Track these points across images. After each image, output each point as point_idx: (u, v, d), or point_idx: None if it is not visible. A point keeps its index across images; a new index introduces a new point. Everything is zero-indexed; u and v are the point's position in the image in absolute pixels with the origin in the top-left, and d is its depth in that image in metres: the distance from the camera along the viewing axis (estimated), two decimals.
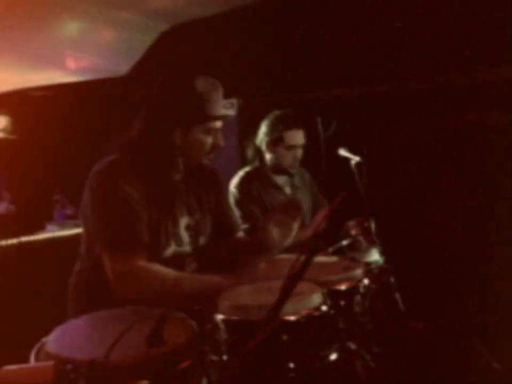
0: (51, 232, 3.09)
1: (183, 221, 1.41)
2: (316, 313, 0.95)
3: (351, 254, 1.64)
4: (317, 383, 0.97)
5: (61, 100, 3.86)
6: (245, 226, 1.99)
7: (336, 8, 2.69)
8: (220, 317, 0.97)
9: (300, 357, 0.93)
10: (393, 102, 2.72)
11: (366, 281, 1.28)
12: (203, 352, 0.94)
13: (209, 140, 1.38)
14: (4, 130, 3.89)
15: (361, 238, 1.82)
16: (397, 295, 1.68)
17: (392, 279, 1.66)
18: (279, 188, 2.26)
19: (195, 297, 1.16)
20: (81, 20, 2.84)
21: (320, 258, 1.42)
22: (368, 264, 1.53)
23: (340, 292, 1.17)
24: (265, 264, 1.41)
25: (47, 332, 1.01)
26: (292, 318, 0.92)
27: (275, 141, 2.20)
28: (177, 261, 1.37)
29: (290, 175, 2.28)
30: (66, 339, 0.95)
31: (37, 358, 0.92)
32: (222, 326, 0.96)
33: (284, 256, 1.50)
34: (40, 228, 3.19)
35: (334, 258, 1.52)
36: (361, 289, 1.24)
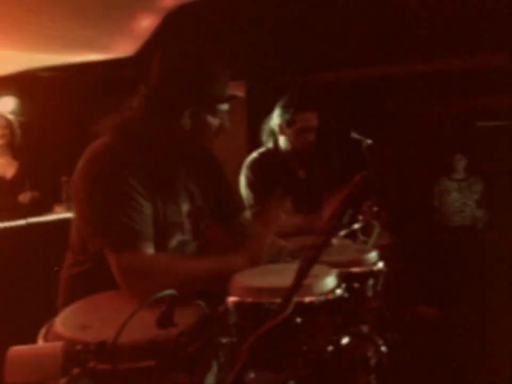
0: (59, 214, 3.09)
1: (185, 208, 1.32)
2: (331, 296, 0.93)
3: (363, 238, 1.62)
4: (328, 366, 0.95)
5: (69, 81, 3.84)
6: (256, 208, 1.97)
7: None
8: (231, 299, 0.95)
9: (313, 340, 0.91)
10: (407, 84, 2.67)
11: (379, 264, 1.25)
12: (214, 335, 0.93)
13: (216, 122, 1.27)
14: (12, 111, 3.88)
15: (373, 222, 1.80)
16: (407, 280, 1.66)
17: (402, 264, 1.64)
18: (292, 171, 2.23)
19: (211, 280, 1.09)
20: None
21: (333, 241, 1.40)
22: (380, 248, 1.51)
23: (354, 274, 1.15)
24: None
25: (55, 313, 1.00)
26: (307, 300, 0.89)
27: (287, 123, 2.17)
28: (182, 251, 1.30)
29: (303, 158, 2.25)
30: (75, 319, 0.94)
31: (46, 339, 0.92)
32: (233, 308, 0.94)
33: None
34: (48, 209, 3.20)
35: (347, 241, 1.50)
36: (375, 273, 1.22)
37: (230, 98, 1.29)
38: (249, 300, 0.93)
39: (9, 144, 3.23)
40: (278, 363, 0.90)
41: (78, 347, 0.79)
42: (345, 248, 1.37)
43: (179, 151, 1.30)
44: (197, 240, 1.38)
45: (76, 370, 0.80)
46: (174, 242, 1.28)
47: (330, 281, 0.98)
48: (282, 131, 2.20)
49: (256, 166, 2.15)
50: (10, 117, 3.39)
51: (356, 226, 1.66)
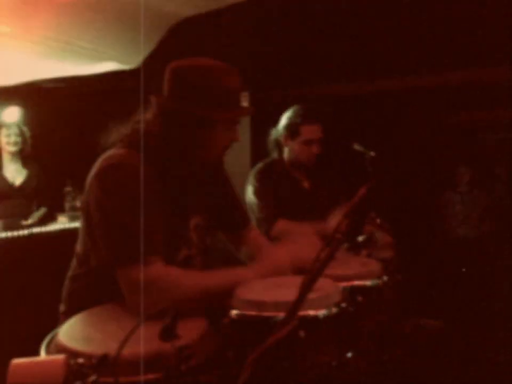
0: (62, 224, 3.10)
1: (193, 221, 1.31)
2: (335, 310, 0.92)
3: (367, 250, 1.61)
4: (332, 381, 0.94)
5: (73, 92, 3.87)
6: (260, 216, 2.01)
7: (350, 2, 2.65)
8: (234, 312, 0.94)
9: (317, 355, 0.91)
10: (410, 96, 2.68)
11: (383, 278, 1.24)
12: (217, 348, 0.92)
13: (229, 134, 1.26)
14: (17, 122, 3.91)
15: (376, 234, 1.80)
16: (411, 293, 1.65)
17: (405, 276, 1.63)
18: (296, 182, 2.24)
19: (218, 295, 1.05)
20: (94, 11, 2.83)
21: (338, 254, 1.39)
22: (383, 261, 1.50)
23: (358, 288, 1.14)
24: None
25: (58, 324, 0.99)
26: (311, 314, 0.89)
27: (292, 135, 2.19)
28: (188, 264, 1.28)
29: (308, 169, 2.26)
30: (78, 331, 0.93)
31: (48, 351, 0.91)
32: (236, 321, 0.93)
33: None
34: (51, 219, 3.20)
35: (351, 254, 1.49)
36: (379, 286, 1.21)
37: (243, 111, 1.30)
38: (252, 313, 0.92)
39: (20, 152, 3.29)
40: (282, 377, 0.89)
41: (80, 360, 0.79)
42: (349, 261, 1.36)
43: (191, 164, 1.29)
44: (203, 254, 1.37)
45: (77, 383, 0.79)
46: (181, 256, 1.27)
47: (334, 295, 0.97)
48: (286, 142, 2.21)
49: (262, 175, 2.17)
50: (21, 126, 3.44)
51: (360, 239, 1.65)
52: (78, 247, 1.30)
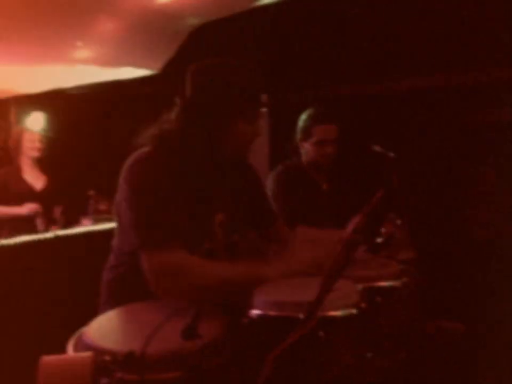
0: (85, 227, 3.17)
1: (217, 217, 1.36)
2: (354, 311, 0.93)
3: (386, 252, 1.61)
4: (351, 381, 0.95)
5: (96, 98, 3.97)
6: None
7: (368, 2, 2.65)
8: (254, 312, 0.96)
9: (336, 354, 0.92)
10: (430, 97, 2.66)
11: (403, 279, 1.24)
12: (238, 347, 0.94)
13: (250, 129, 1.32)
14: (41, 127, 4.01)
15: (396, 235, 1.79)
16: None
17: (426, 278, 1.62)
18: (315, 184, 2.25)
19: (238, 289, 1.09)
20: (117, 19, 2.90)
21: (356, 255, 1.39)
22: (403, 262, 1.49)
23: (377, 288, 1.14)
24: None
25: (83, 323, 1.03)
26: (330, 314, 0.90)
27: (305, 136, 2.21)
28: (210, 258, 1.31)
29: (326, 171, 2.27)
30: (104, 330, 0.96)
31: (75, 348, 0.94)
32: (257, 321, 0.95)
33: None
34: (75, 222, 3.28)
35: (370, 256, 1.49)
36: (398, 287, 1.21)
37: (262, 106, 1.33)
38: (272, 313, 0.94)
39: (39, 158, 3.33)
40: (301, 376, 0.90)
41: (107, 357, 0.82)
42: (368, 262, 1.37)
43: (215, 160, 1.34)
44: (227, 251, 1.40)
45: (104, 380, 0.82)
46: (203, 249, 1.31)
47: (353, 295, 0.98)
48: (301, 144, 2.23)
49: (280, 178, 2.18)
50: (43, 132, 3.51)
51: (379, 240, 1.65)
52: (114, 241, 1.39)
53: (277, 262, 1.26)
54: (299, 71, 2.99)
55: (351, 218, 1.87)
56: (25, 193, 3.15)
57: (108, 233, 2.97)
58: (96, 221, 3.29)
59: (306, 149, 2.21)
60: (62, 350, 0.95)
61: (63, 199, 3.34)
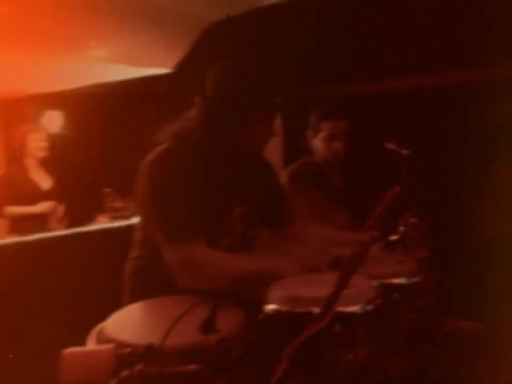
0: (102, 224, 3.22)
1: (236, 211, 1.39)
2: (370, 307, 0.93)
3: (402, 249, 1.60)
4: (366, 376, 0.95)
5: (112, 97, 4.01)
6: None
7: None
8: (270, 307, 0.97)
9: (352, 349, 0.92)
10: (442, 94, 2.63)
11: (419, 276, 1.24)
12: (255, 342, 0.95)
13: (267, 129, 1.36)
14: (58, 126, 4.07)
15: (411, 234, 1.78)
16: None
17: (444, 276, 1.62)
18: (328, 181, 2.25)
19: (255, 281, 1.13)
20: (131, 18, 2.93)
21: (372, 252, 1.39)
22: (420, 260, 1.49)
23: (393, 285, 1.15)
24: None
25: (102, 318, 1.05)
26: (346, 310, 0.91)
27: (314, 131, 2.23)
28: (230, 252, 1.35)
29: (339, 168, 2.27)
30: (124, 324, 0.99)
31: (97, 341, 0.97)
32: (273, 316, 0.96)
33: None
34: (92, 219, 3.33)
35: (386, 253, 1.49)
36: (414, 284, 1.21)
37: (280, 107, 1.39)
38: (287, 308, 0.95)
39: (47, 157, 3.31)
40: (317, 370, 0.91)
41: (128, 350, 0.84)
42: (384, 259, 1.37)
43: (234, 157, 1.38)
44: (246, 245, 1.43)
45: (125, 373, 0.84)
46: (223, 243, 1.35)
47: (369, 291, 0.99)
48: (311, 140, 2.25)
49: (294, 176, 2.19)
50: (51, 132, 3.50)
51: (394, 238, 1.65)
52: (136, 235, 1.43)
53: (293, 256, 1.29)
54: (313, 68, 2.99)
55: (363, 215, 1.86)
56: (32, 193, 3.15)
57: (124, 230, 3.02)
58: (112, 218, 3.34)
59: (316, 146, 2.23)
60: (83, 344, 0.97)
61: (70, 198, 3.35)
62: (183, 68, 3.53)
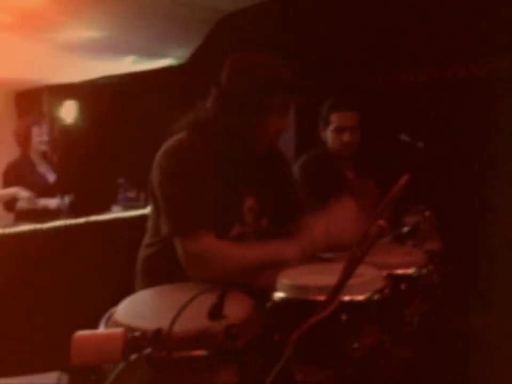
0: (115, 213, 3.26)
1: (247, 202, 1.40)
2: (377, 296, 0.94)
3: (412, 241, 1.60)
4: (372, 365, 0.96)
5: (125, 88, 4.04)
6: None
7: None
8: (278, 295, 0.98)
9: (358, 339, 0.93)
10: (460, 86, 2.59)
11: (428, 268, 1.24)
12: (261, 329, 0.96)
13: (281, 121, 1.36)
14: (73, 116, 4.12)
15: (422, 226, 1.77)
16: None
17: (454, 270, 1.60)
18: (339, 172, 2.24)
19: (262, 269, 1.15)
20: (145, 10, 2.94)
21: (381, 243, 1.39)
22: (430, 252, 1.48)
23: (401, 276, 1.14)
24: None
25: (114, 303, 1.07)
26: (353, 298, 0.91)
27: (324, 123, 2.22)
28: (241, 242, 1.36)
29: (352, 160, 2.26)
30: (134, 309, 1.01)
31: (106, 326, 0.99)
32: (280, 304, 0.97)
33: None
34: (106, 208, 3.38)
35: (396, 245, 1.49)
36: (423, 276, 1.21)
37: (294, 99, 1.38)
38: (295, 296, 0.96)
39: (50, 150, 3.38)
40: (323, 359, 0.92)
41: (137, 334, 0.86)
42: (393, 250, 1.37)
43: (247, 149, 1.39)
44: (257, 236, 1.44)
45: (133, 356, 0.86)
46: (234, 233, 1.36)
47: (377, 281, 0.99)
48: (322, 133, 2.24)
49: (305, 167, 2.19)
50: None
51: (405, 229, 1.64)
52: (149, 222, 1.46)
53: (295, 241, 1.30)
54: (325, 60, 2.96)
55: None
56: (39, 186, 3.17)
57: (137, 219, 3.05)
58: (125, 207, 3.38)
59: (327, 137, 2.22)
60: (95, 327, 0.99)
61: (85, 188, 3.39)
62: (196, 59, 3.54)
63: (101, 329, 0.96)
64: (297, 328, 0.78)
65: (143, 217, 1.53)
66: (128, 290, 1.31)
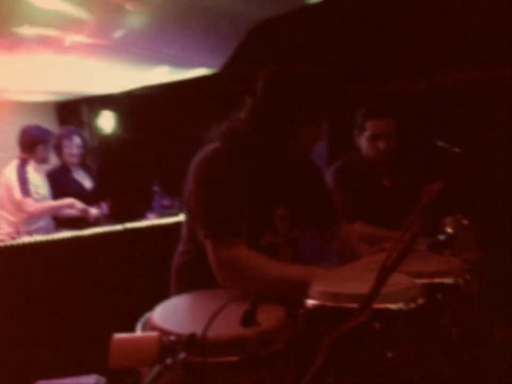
0: (151, 220, 3.34)
1: (279, 211, 1.40)
2: (412, 305, 0.92)
3: (450, 250, 1.56)
4: (406, 375, 0.94)
5: (160, 98, 4.15)
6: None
7: None
8: (311, 302, 0.98)
9: (391, 348, 0.91)
10: (498, 90, 2.52)
11: (465, 277, 1.20)
12: (294, 336, 0.96)
13: (315, 131, 1.37)
14: (111, 127, 4.26)
15: (459, 235, 1.72)
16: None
17: (496, 281, 1.55)
18: (376, 180, 2.21)
19: (294, 288, 1.11)
20: (176, 17, 3.00)
21: (417, 251, 1.37)
22: (467, 262, 1.44)
23: (438, 285, 1.12)
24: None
25: (149, 307, 1.10)
26: (387, 307, 0.90)
27: (359, 130, 2.20)
28: (272, 251, 1.37)
29: (386, 166, 2.23)
30: (169, 314, 1.03)
31: (143, 330, 1.01)
32: (313, 311, 0.97)
33: None
34: (142, 215, 3.47)
35: (432, 253, 1.45)
36: (460, 285, 1.17)
37: (329, 109, 1.38)
38: (329, 304, 0.95)
39: (82, 161, 3.51)
40: (357, 368, 0.91)
41: (172, 338, 0.88)
42: (429, 259, 1.34)
43: (281, 158, 1.40)
44: (289, 245, 1.45)
45: (169, 360, 0.88)
46: (265, 242, 1.37)
47: (412, 290, 0.97)
48: (357, 139, 2.22)
49: (339, 174, 2.18)
50: (83, 135, 3.64)
51: (442, 238, 1.60)
52: (183, 229, 1.48)
53: (335, 268, 1.29)
54: (358, 66, 2.94)
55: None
56: (76, 192, 3.33)
57: (171, 226, 3.12)
58: (160, 215, 3.46)
59: (362, 144, 2.20)
60: (132, 331, 1.02)
61: (121, 196, 3.50)
62: (229, 67, 3.59)
63: (138, 332, 0.99)
64: (329, 335, 0.77)
65: (177, 225, 1.55)
66: (163, 295, 1.34)
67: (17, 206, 3.03)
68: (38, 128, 3.28)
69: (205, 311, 1.00)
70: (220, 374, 0.90)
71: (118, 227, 2.83)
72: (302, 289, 1.05)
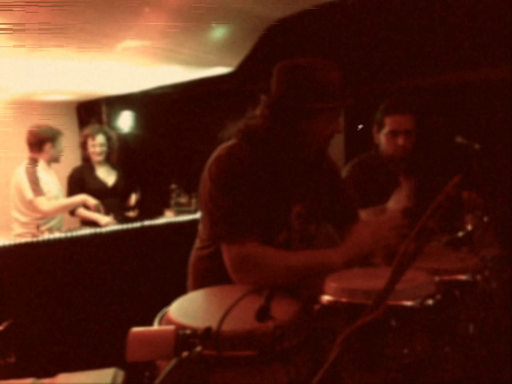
0: (168, 218, 3.38)
1: (295, 209, 1.41)
2: (429, 302, 0.91)
3: (468, 247, 1.53)
4: (422, 371, 0.93)
5: (177, 97, 4.18)
6: None
7: None
8: (326, 298, 0.98)
9: (408, 344, 0.91)
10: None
11: (483, 274, 1.19)
12: (308, 331, 0.96)
13: (331, 126, 1.35)
14: (130, 126, 4.32)
15: (479, 232, 1.69)
16: None
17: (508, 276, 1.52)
18: (391, 176, 2.20)
19: (307, 275, 1.15)
20: (195, 20, 3.02)
21: (435, 248, 1.36)
22: (486, 258, 1.42)
23: (455, 282, 1.10)
24: None
25: (167, 302, 1.12)
26: (403, 304, 0.90)
27: (378, 126, 2.19)
28: (286, 247, 1.38)
29: (403, 163, 2.20)
30: (185, 309, 1.04)
31: (160, 324, 1.03)
32: (329, 307, 0.97)
33: None
34: (159, 213, 3.51)
35: (450, 250, 1.44)
36: (478, 282, 1.16)
37: (344, 102, 1.36)
38: (344, 300, 0.95)
39: (107, 158, 3.56)
40: (373, 364, 0.91)
41: (188, 331, 0.89)
42: (446, 255, 1.32)
43: (297, 155, 1.39)
44: (303, 242, 1.45)
45: (185, 353, 0.89)
46: (280, 239, 1.38)
47: (428, 287, 0.97)
48: (376, 135, 2.21)
49: (354, 170, 2.17)
50: (109, 133, 3.69)
51: (460, 234, 1.58)
52: (200, 226, 1.49)
53: (340, 248, 1.29)
54: (376, 62, 2.92)
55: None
56: (98, 190, 3.39)
57: (188, 223, 3.15)
58: (178, 212, 3.49)
59: (381, 141, 2.19)
60: (150, 324, 1.04)
61: (140, 193, 3.55)
62: (245, 66, 3.59)
63: (156, 326, 1.01)
64: (344, 331, 0.78)
65: (194, 223, 1.57)
66: (180, 291, 1.36)
67: (30, 206, 3.07)
68: (46, 128, 3.32)
69: (220, 306, 1.01)
70: (235, 368, 0.91)
71: (136, 224, 2.87)
72: (317, 271, 1.06)
